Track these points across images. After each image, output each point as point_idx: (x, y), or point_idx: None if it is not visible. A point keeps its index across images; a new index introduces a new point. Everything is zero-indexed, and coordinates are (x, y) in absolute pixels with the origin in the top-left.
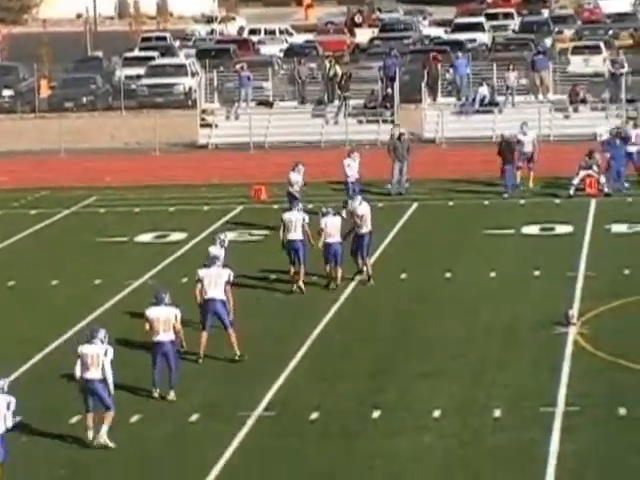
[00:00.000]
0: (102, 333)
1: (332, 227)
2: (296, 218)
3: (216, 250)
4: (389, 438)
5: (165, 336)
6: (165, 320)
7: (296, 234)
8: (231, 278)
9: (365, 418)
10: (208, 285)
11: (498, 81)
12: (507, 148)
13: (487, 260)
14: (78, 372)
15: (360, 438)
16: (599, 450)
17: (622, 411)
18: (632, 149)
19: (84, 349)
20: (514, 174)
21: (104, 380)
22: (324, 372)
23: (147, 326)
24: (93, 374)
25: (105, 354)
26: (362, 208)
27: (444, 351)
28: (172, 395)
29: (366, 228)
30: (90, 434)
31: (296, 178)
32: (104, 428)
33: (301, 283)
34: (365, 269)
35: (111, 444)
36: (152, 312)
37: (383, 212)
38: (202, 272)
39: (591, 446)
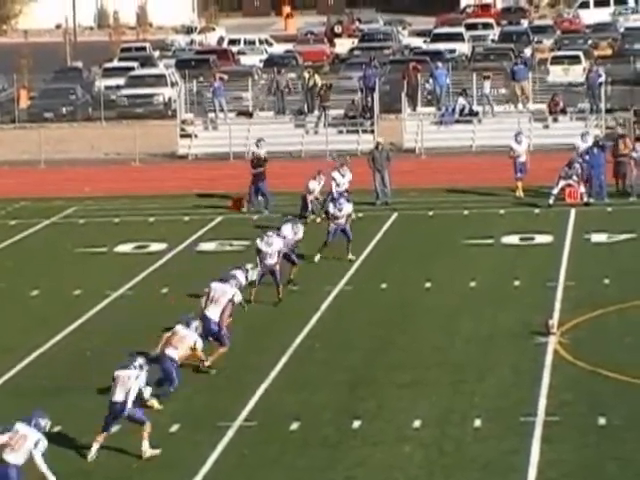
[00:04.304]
0: (140, 360)
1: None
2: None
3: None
4: (369, 448)
5: (171, 352)
6: (181, 337)
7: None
8: (235, 299)
9: (345, 428)
10: (210, 300)
11: (477, 91)
12: (257, 164)
13: (467, 270)
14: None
15: (340, 448)
16: (579, 459)
17: (602, 420)
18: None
19: (118, 372)
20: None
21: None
22: (304, 382)
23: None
24: (119, 397)
25: (136, 378)
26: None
27: (424, 361)
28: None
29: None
30: (94, 448)
31: (314, 186)
32: (145, 444)
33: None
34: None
35: (155, 452)
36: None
37: (363, 222)
38: (213, 285)
39: (571, 455)
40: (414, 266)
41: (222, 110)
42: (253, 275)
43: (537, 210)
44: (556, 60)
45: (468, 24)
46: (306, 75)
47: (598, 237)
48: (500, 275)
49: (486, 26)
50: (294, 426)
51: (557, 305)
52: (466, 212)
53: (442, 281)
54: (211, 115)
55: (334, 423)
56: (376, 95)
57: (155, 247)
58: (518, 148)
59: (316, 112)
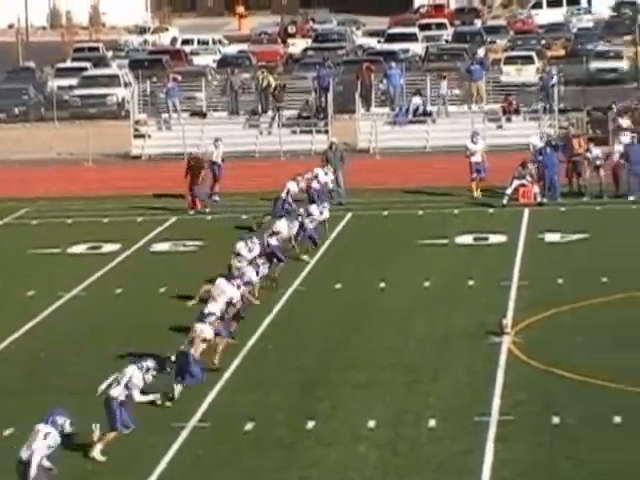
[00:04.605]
0: (150, 363)
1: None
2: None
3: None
4: (324, 448)
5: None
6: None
7: None
8: (233, 301)
9: (299, 428)
10: (211, 297)
11: (432, 91)
12: (196, 166)
13: (421, 270)
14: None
15: (294, 448)
16: (533, 459)
17: (556, 420)
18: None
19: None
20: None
21: (122, 402)
22: (258, 383)
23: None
24: (112, 391)
25: (130, 378)
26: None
27: (379, 361)
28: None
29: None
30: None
31: (293, 188)
32: (99, 446)
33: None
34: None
35: (101, 458)
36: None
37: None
38: (218, 280)
39: (525, 455)
40: (368, 266)
41: (175, 110)
42: (265, 269)
43: (491, 210)
44: (509, 60)
45: (422, 24)
46: (260, 75)
47: (552, 237)
48: (454, 275)
49: (440, 26)
50: (248, 427)
51: (511, 305)
52: (420, 212)
53: (396, 281)
54: (164, 115)
55: (288, 424)
56: (330, 95)
57: (109, 248)
58: (474, 148)
59: (270, 112)
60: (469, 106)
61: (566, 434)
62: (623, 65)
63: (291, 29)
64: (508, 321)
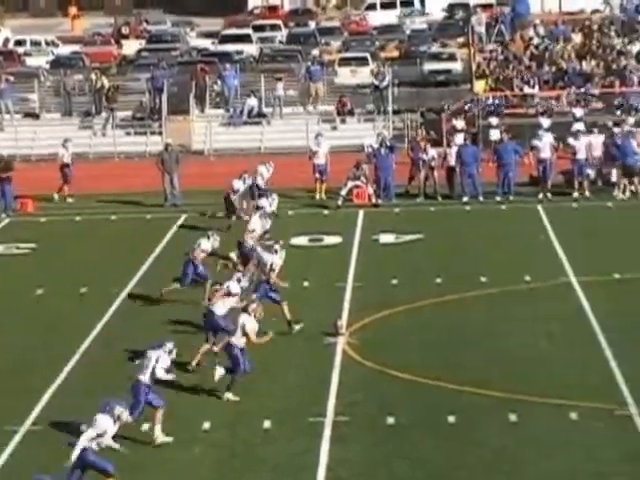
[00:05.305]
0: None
1: None
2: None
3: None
4: (159, 450)
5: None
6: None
7: None
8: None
9: (134, 430)
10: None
11: (266, 92)
12: (4, 168)
13: None
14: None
15: (131, 449)
16: (368, 459)
17: (390, 420)
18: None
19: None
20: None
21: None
22: (91, 387)
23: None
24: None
25: (157, 361)
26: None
27: (215, 362)
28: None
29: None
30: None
31: (238, 186)
32: (157, 429)
33: None
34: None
35: (168, 439)
36: None
37: (150, 225)
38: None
39: (360, 455)
40: None
41: (8, 112)
42: (282, 254)
43: (326, 211)
44: (344, 62)
45: (256, 26)
46: (93, 77)
47: (386, 238)
48: (289, 276)
49: (274, 28)
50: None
51: (346, 306)
52: None
53: None
54: None
55: (123, 426)
56: (164, 96)
57: None
58: (318, 150)
59: (104, 114)
60: (305, 107)
61: (401, 434)
62: (457, 67)
63: (125, 30)
64: (343, 322)
